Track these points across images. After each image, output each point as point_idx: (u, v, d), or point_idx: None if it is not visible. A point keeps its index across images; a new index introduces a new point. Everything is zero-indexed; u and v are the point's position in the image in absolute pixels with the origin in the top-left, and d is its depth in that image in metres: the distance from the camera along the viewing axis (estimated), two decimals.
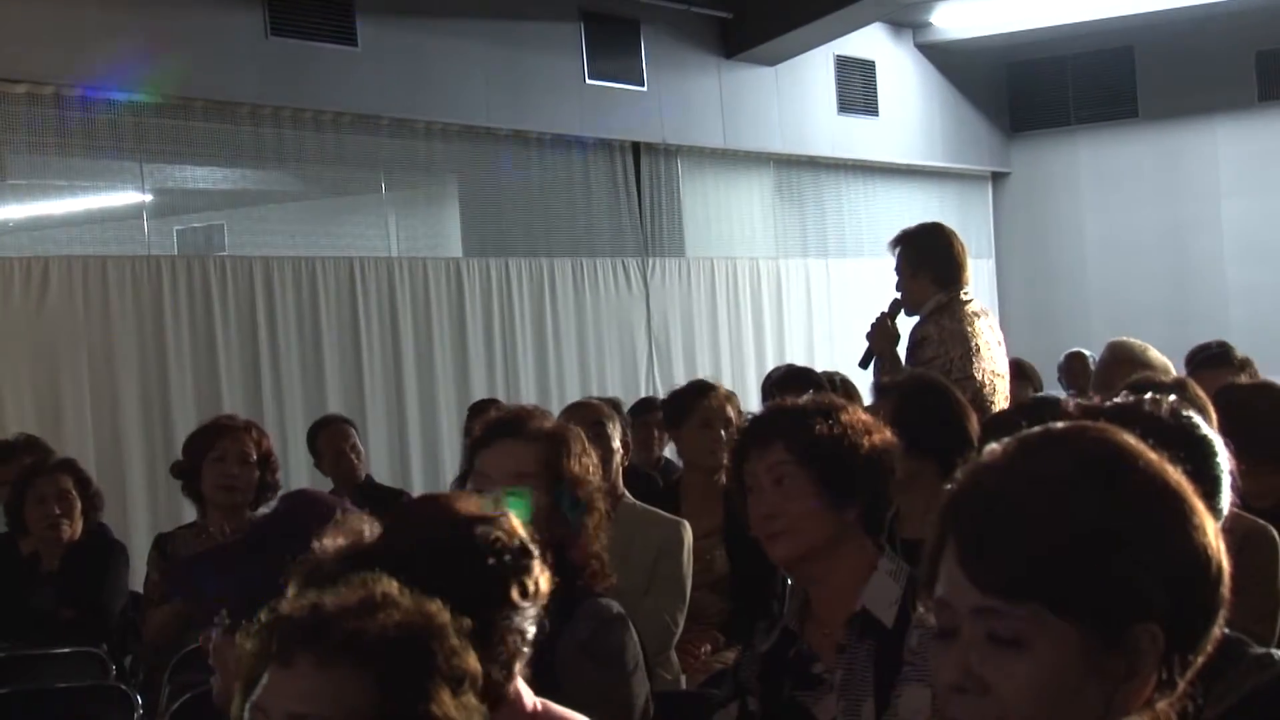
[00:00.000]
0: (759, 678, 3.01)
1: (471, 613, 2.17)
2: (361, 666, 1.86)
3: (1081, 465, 1.54)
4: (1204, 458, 2.45)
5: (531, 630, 2.34)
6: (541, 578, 2.37)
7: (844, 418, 2.94)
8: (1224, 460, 2.50)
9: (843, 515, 2.92)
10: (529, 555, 2.35)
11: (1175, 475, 1.57)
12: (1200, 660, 1.55)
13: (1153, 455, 1.57)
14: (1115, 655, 1.49)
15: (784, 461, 2.93)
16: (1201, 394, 3.70)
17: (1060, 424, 1.62)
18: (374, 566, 2.04)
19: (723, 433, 5.35)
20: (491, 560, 2.30)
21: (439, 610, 1.95)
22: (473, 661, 1.95)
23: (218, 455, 5.22)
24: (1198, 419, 2.55)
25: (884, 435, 2.98)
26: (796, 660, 2.97)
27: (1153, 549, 1.50)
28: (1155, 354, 5.81)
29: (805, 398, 3.09)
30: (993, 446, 1.59)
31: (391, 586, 1.96)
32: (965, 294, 6.04)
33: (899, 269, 6.15)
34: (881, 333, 6.09)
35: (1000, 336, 6.14)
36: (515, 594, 2.31)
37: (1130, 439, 1.59)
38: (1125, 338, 6.18)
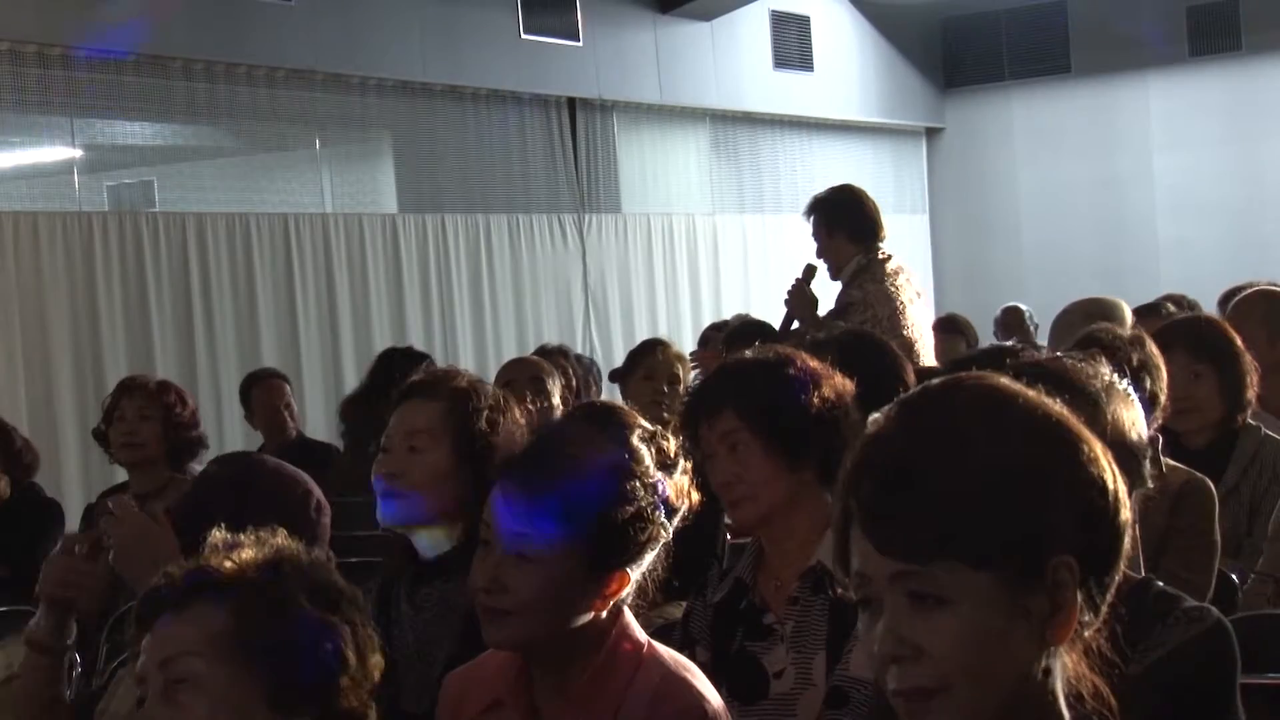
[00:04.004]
0: (709, 628, 3.02)
1: (585, 557, 2.33)
2: (213, 600, 1.95)
3: (963, 416, 1.55)
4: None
5: (640, 572, 2.42)
6: (664, 521, 2.42)
7: (791, 372, 2.92)
8: (1140, 413, 2.52)
9: (800, 473, 2.91)
10: (655, 507, 2.40)
11: (1056, 407, 1.58)
12: (1117, 577, 1.56)
13: (1030, 393, 1.58)
14: (1037, 594, 1.51)
15: (736, 429, 2.91)
16: (1155, 349, 3.74)
17: (936, 380, 1.63)
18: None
19: (665, 387, 5.39)
20: (625, 510, 2.36)
21: (286, 539, 2.05)
22: (340, 581, 2.03)
23: (119, 416, 5.25)
24: (1116, 378, 2.56)
25: (834, 383, 2.95)
26: (748, 611, 2.97)
27: (1051, 483, 1.52)
28: (1126, 312, 5.84)
29: (749, 354, 3.08)
30: (875, 416, 1.60)
31: (242, 536, 2.05)
32: (883, 252, 6.12)
33: (815, 234, 6.27)
34: (799, 298, 6.12)
35: (919, 289, 6.24)
36: (634, 540, 2.38)
37: (1005, 381, 1.60)
38: (1102, 296, 6.22)
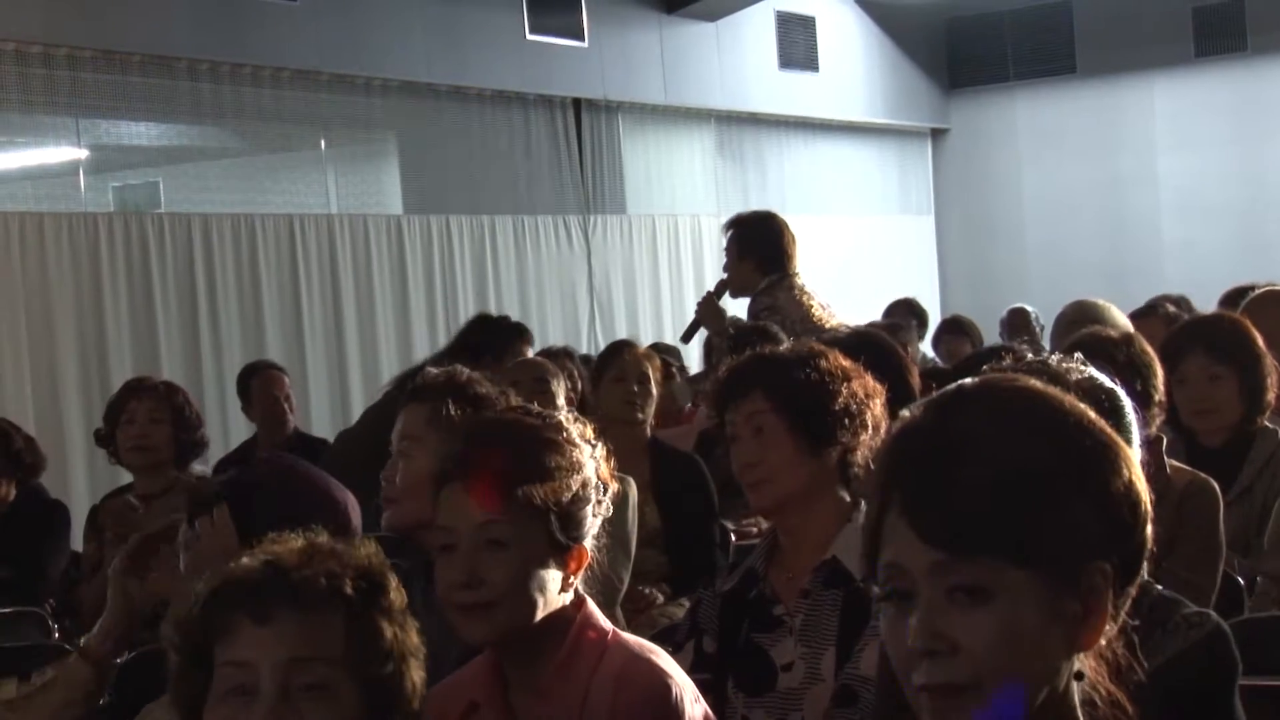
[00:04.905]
0: (717, 618, 3.03)
1: (547, 533, 2.38)
2: (333, 609, 1.94)
3: (1010, 416, 1.55)
4: (1115, 410, 2.47)
5: (592, 548, 2.47)
6: (602, 497, 2.48)
7: (823, 365, 2.94)
8: (1129, 410, 2.52)
9: (819, 463, 2.93)
10: (595, 480, 2.46)
11: (1093, 413, 1.59)
12: (1134, 589, 1.58)
13: (1068, 397, 1.60)
14: (1072, 597, 1.51)
15: (762, 410, 2.94)
16: (1148, 348, 3.73)
17: (968, 380, 1.64)
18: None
19: (636, 387, 5.39)
20: (575, 479, 2.42)
21: (376, 551, 2.03)
22: (403, 598, 2.04)
23: (128, 418, 5.24)
24: (1100, 376, 2.56)
25: (865, 383, 2.97)
26: (757, 601, 2.98)
27: (1096, 486, 1.53)
28: (1117, 314, 5.85)
29: (784, 346, 3.10)
30: (904, 412, 1.60)
31: (321, 536, 2.03)
32: (794, 273, 6.29)
33: (728, 251, 6.45)
34: (709, 310, 6.32)
35: (826, 303, 6.39)
36: (587, 512, 2.44)
37: (1040, 384, 1.61)
38: (1090, 298, 6.23)
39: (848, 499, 2.98)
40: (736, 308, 6.87)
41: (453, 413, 3.10)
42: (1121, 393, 2.53)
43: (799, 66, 13.54)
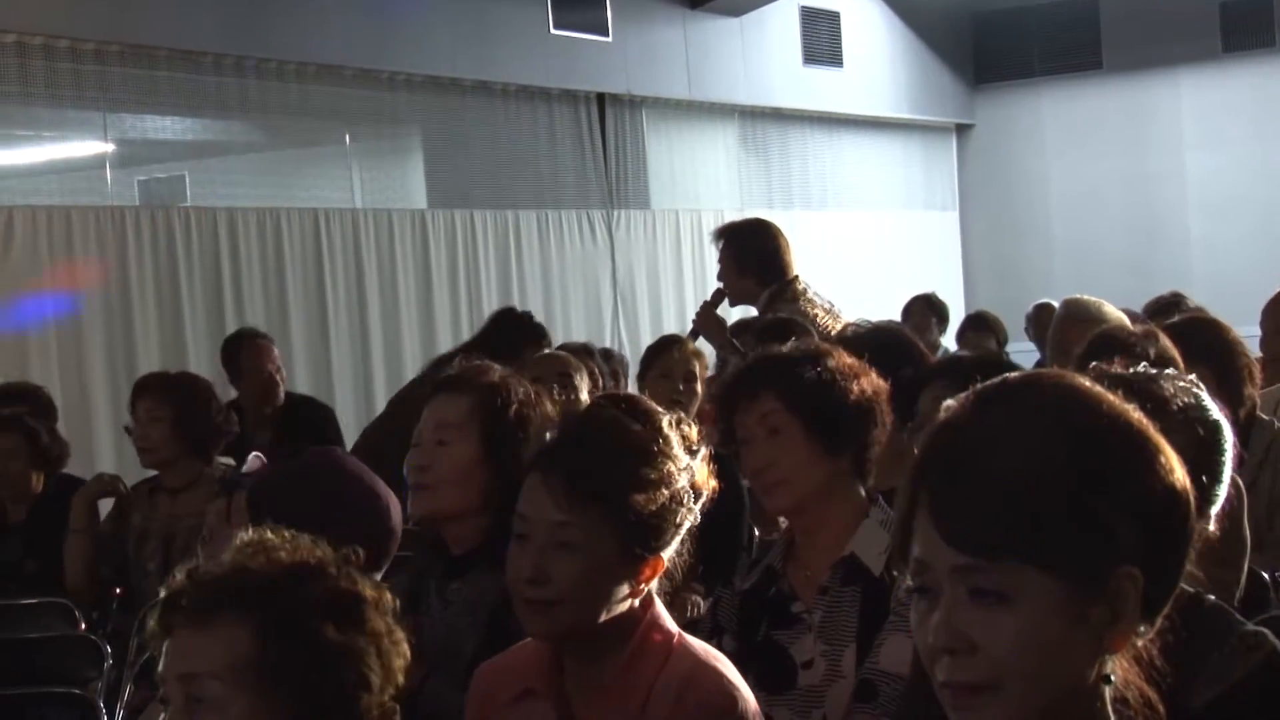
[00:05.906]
0: (737, 616, 3.02)
1: (623, 543, 2.34)
2: (235, 617, 1.91)
3: (1044, 414, 1.52)
4: (1213, 444, 2.43)
5: (670, 556, 2.43)
6: (692, 505, 2.43)
7: (831, 364, 2.94)
8: (1229, 445, 2.48)
9: (836, 462, 2.93)
10: (686, 492, 2.42)
11: (1137, 414, 1.56)
12: (1176, 589, 1.55)
13: (1112, 397, 1.56)
14: (1099, 602, 1.49)
15: (775, 411, 2.92)
16: (1170, 345, 3.71)
17: (1015, 374, 1.62)
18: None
19: (681, 385, 5.38)
20: (662, 494, 2.38)
21: (312, 546, 1.99)
22: (366, 587, 1.98)
23: (135, 418, 5.26)
24: (1208, 402, 2.53)
25: (872, 380, 2.97)
26: (776, 599, 2.98)
27: (1125, 492, 1.50)
28: (1111, 310, 5.84)
29: (791, 345, 3.09)
30: (950, 403, 1.58)
31: (276, 536, 2.00)
32: (794, 278, 6.21)
33: (722, 261, 6.32)
34: (708, 320, 6.21)
35: (830, 303, 6.31)
36: (670, 525, 2.40)
37: (1087, 382, 1.58)
38: (1080, 295, 6.22)
39: (864, 495, 2.98)
40: (736, 316, 6.82)
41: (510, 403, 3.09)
42: (1226, 426, 2.48)
43: (823, 62, 13.52)
